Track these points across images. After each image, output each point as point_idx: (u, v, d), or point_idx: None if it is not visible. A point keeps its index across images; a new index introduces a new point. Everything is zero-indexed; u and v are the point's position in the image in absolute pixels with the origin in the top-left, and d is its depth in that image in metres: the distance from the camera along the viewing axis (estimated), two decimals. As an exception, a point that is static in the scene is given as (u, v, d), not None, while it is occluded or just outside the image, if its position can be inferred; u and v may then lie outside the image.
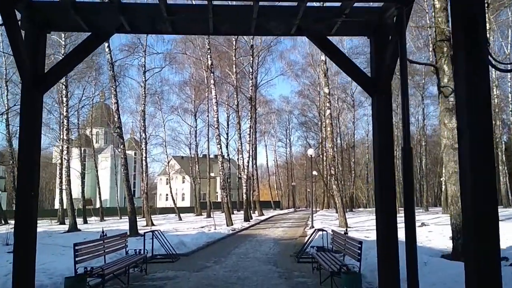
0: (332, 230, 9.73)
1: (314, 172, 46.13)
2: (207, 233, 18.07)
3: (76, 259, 7.13)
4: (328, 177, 54.32)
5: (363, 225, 23.59)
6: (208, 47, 24.58)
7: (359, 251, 6.84)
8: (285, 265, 10.44)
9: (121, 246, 9.53)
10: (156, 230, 12.32)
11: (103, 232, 8.59)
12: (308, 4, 5.00)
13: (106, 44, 21.77)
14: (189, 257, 12.27)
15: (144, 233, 11.56)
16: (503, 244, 5.51)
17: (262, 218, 32.76)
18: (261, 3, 4.86)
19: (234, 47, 32.11)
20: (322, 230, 11.17)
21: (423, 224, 19.92)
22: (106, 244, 8.58)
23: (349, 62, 5.44)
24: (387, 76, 5.08)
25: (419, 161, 59.80)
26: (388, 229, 5.21)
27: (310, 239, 11.24)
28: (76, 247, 7.23)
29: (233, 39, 32.06)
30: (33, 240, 4.85)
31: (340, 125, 49.98)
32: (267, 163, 70.99)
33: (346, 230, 8.51)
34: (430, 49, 18.90)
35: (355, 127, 54.27)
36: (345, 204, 55.07)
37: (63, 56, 28.41)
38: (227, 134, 45.88)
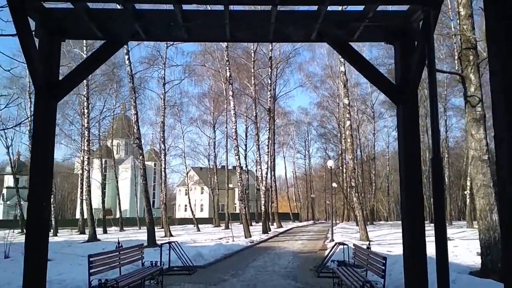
0: (354, 244, 9.39)
1: (334, 184, 45.59)
2: (225, 245, 17.83)
3: (91, 271, 7.00)
4: (348, 189, 53.76)
5: (384, 239, 23.00)
6: (226, 59, 24.60)
7: (383, 267, 6.51)
8: (305, 279, 10.12)
9: (137, 258, 9.39)
10: (173, 242, 12.17)
11: (118, 243, 8.46)
12: (329, 8, 4.81)
13: (127, 57, 22.06)
14: (206, 270, 12.05)
15: (161, 244, 11.42)
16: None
17: (281, 230, 32.34)
18: (279, 7, 4.69)
19: (252, 59, 32.08)
20: (343, 244, 10.83)
21: (448, 239, 19.25)
22: (122, 255, 8.44)
23: (373, 69, 5.19)
24: (413, 83, 4.83)
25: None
26: (416, 243, 4.91)
27: (331, 253, 10.89)
28: (91, 259, 7.10)
29: (252, 51, 32.10)
30: (45, 251, 4.71)
31: (360, 136, 49.36)
32: (285, 175, 70.52)
33: (369, 244, 8.17)
34: (456, 58, 18.41)
35: (375, 139, 53.51)
36: (365, 217, 54.37)
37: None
38: (245, 145, 45.79)
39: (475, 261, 10.85)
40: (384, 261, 6.53)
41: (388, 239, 22.50)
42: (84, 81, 29.99)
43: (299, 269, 11.83)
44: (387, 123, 59.88)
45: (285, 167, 76.56)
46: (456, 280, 7.80)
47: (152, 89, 41.50)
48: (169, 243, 11.67)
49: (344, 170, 51.32)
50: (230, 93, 24.03)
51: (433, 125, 4.35)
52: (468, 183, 32.73)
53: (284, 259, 14.11)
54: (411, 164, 4.86)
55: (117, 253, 8.31)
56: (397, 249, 15.66)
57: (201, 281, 9.99)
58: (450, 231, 27.55)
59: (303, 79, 49.80)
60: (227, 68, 24.28)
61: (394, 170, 70.29)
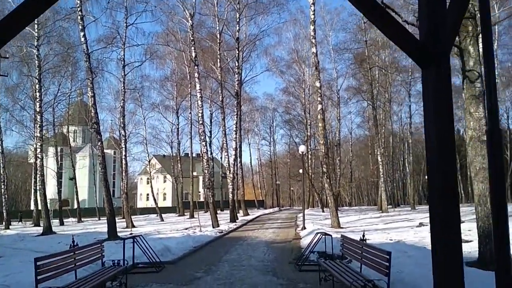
0: (342, 235, 8.53)
1: (300, 170, 45.14)
2: (193, 236, 16.70)
3: (39, 277, 5.74)
4: (313, 175, 53.58)
5: (355, 225, 22.55)
6: (192, 38, 23.15)
7: (387, 263, 5.61)
8: (286, 274, 9.20)
9: (97, 257, 8.13)
10: (137, 236, 10.92)
11: (73, 241, 7.16)
12: None
13: (82, 34, 20.20)
14: (176, 266, 10.92)
15: (124, 239, 10.16)
16: None
17: (248, 218, 31.46)
18: None
19: (218, 41, 30.69)
20: (325, 234, 9.96)
21: (421, 224, 18.98)
22: (78, 255, 7.17)
23: (392, 21, 4.12)
24: (447, 39, 3.84)
25: (396, 159, 59.47)
26: (449, 237, 3.97)
27: (312, 244, 10.00)
28: (39, 263, 5.82)
29: (217, 32, 30.71)
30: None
31: (325, 121, 48.93)
32: (250, 162, 69.75)
33: (363, 235, 7.26)
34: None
35: (340, 125, 53.31)
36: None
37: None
38: (210, 132, 44.52)
39: (465, 249, 10.29)
40: (388, 257, 5.64)
41: (359, 226, 22.04)
42: (36, 61, 27.75)
43: (277, 262, 10.90)
44: (351, 109, 60.12)
45: (250, 154, 75.99)
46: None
47: (111, 72, 39.36)
48: (133, 237, 10.42)
49: (310, 156, 51.08)
50: (196, 74, 22.63)
51: (489, 84, 3.40)
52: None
53: (258, 250, 13.16)
54: (444, 145, 3.89)
55: (72, 253, 7.02)
56: (374, 237, 15.08)
57: (170, 279, 8.87)
58: (418, 216, 27.68)
59: (269, 64, 48.76)
60: (192, 48, 22.84)
61: (356, 156, 71.12)
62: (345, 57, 44.61)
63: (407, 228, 18.37)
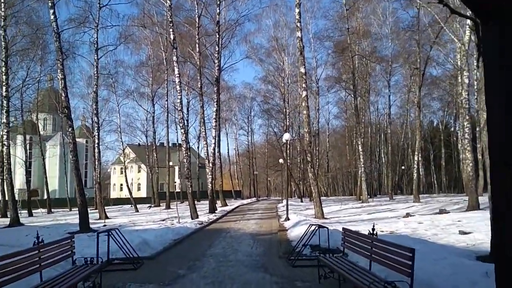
0: (344, 228, 7.74)
1: (281, 160, 44.51)
2: (172, 228, 15.71)
3: (-6, 282, 4.71)
4: (291, 165, 53.02)
5: (339, 215, 22.01)
6: (170, 19, 21.86)
7: (410, 262, 4.82)
8: (279, 270, 8.38)
9: (67, 254, 7.09)
10: (113, 229, 9.89)
11: (38, 238, 6.10)
12: None
13: (52, 11, 18.71)
14: (155, 261, 9.95)
15: (98, 232, 9.11)
16: None
17: (227, 208, 30.59)
18: None
19: (197, 25, 29.44)
20: (320, 226, 9.17)
21: (408, 214, 18.52)
22: (44, 253, 6.13)
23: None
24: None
25: (374, 150, 59.67)
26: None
27: (308, 237, 9.20)
28: (-7, 264, 4.78)
29: (196, 15, 29.44)
30: None
31: (302, 112, 48.28)
32: (228, 152, 68.90)
33: (373, 228, 6.46)
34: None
35: (319, 115, 52.86)
36: (309, 192, 54.14)
37: None
38: (187, 120, 43.31)
39: (467, 241, 9.71)
40: (411, 254, 4.85)
41: (343, 216, 21.52)
42: (2, 42, 25.91)
43: (267, 256, 10.08)
44: (329, 99, 59.84)
45: (228, 144, 74.93)
46: (465, 266, 6.39)
47: (83, 55, 37.32)
48: (108, 230, 9.38)
49: (288, 146, 50.41)
50: (174, 58, 21.40)
51: None
52: (416, 157, 32.83)
53: (244, 243, 12.30)
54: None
55: (36, 251, 5.97)
56: (363, 228, 14.41)
57: (151, 278, 7.92)
58: (399, 206, 27.41)
59: (248, 51, 47.68)
60: (171, 30, 21.60)
61: (333, 147, 71.17)
62: (326, 46, 44.07)
63: (394, 219, 17.86)
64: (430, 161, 62.43)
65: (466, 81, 21.48)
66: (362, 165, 33.86)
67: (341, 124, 69.26)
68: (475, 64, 17.40)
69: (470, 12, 7.12)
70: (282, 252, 10.35)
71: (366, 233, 11.71)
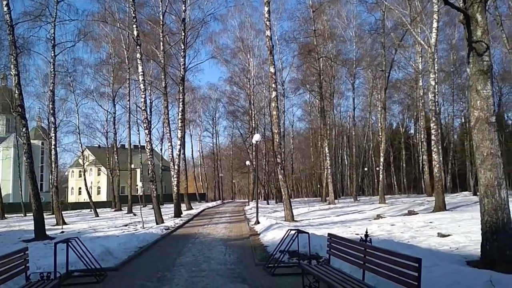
0: (330, 234, 7.19)
1: (247, 162, 43.93)
2: (137, 235, 14.75)
3: None
4: (256, 167, 52.33)
5: (308, 218, 21.66)
6: (133, 15, 20.82)
7: (416, 274, 4.33)
8: (258, 281, 7.75)
9: (19, 270, 6.18)
10: (72, 238, 8.94)
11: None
12: None
13: (5, 2, 17.33)
14: (120, 273, 9.09)
15: (55, 243, 8.16)
16: None
17: (193, 212, 29.66)
18: None
19: (161, 22, 28.44)
20: (300, 231, 8.60)
21: (379, 216, 18.36)
22: (-10, 271, 5.24)
23: None
24: None
25: (337, 152, 60.32)
26: None
27: (288, 243, 8.63)
28: None
29: (160, 13, 28.43)
30: None
31: (271, 113, 47.80)
32: (192, 154, 67.56)
33: (366, 234, 5.96)
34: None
35: (284, 117, 52.66)
36: (275, 194, 53.82)
37: None
38: (150, 122, 41.89)
39: (449, 245, 9.43)
40: (417, 265, 4.36)
41: (312, 218, 21.18)
42: None
43: (242, 264, 9.42)
44: (293, 101, 59.95)
45: (192, 145, 73.61)
46: (463, 274, 6.01)
47: (39, 52, 35.21)
48: (67, 240, 8.44)
49: (253, 148, 49.87)
50: (138, 55, 20.36)
51: None
52: (381, 159, 33.04)
53: (215, 250, 11.58)
54: None
55: (-19, 268, 5.08)
56: (336, 231, 14.01)
57: (117, 293, 7.11)
58: (366, 207, 27.42)
59: (214, 51, 46.87)
60: (134, 26, 20.56)
61: (297, 149, 71.39)
62: (291, 48, 43.93)
63: (364, 221, 17.63)
64: (390, 163, 63.70)
65: (433, 83, 21.65)
66: (329, 167, 33.81)
67: (305, 127, 69.66)
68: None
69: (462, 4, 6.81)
70: (258, 259, 9.73)
71: (344, 236, 11.33)
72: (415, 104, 50.45)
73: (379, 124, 46.91)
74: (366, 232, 6.06)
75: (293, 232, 8.72)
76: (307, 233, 8.43)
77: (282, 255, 8.76)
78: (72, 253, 8.42)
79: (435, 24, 21.41)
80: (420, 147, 49.63)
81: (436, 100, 22.93)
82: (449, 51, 45.58)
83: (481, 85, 6.79)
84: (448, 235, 10.62)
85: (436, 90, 24.35)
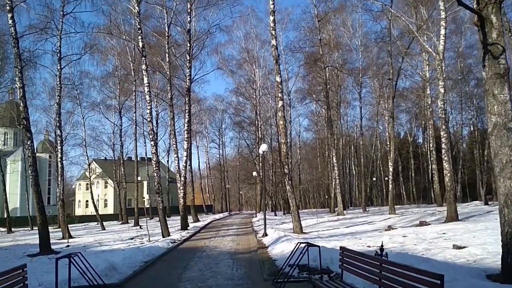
0: (342, 247, 6.87)
1: (254, 173, 43.60)
2: (142, 249, 14.45)
3: None
4: (263, 177, 51.92)
5: (317, 229, 21.23)
6: (138, 26, 20.79)
7: (440, 292, 3.99)
8: (267, 297, 7.42)
9: (18, 287, 5.91)
10: (75, 253, 8.67)
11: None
12: None
13: (10, 15, 17.36)
14: (124, 289, 8.80)
15: (56, 258, 7.90)
16: None
17: (200, 224, 29.31)
18: None
19: (167, 34, 28.45)
20: (309, 244, 8.27)
21: (390, 227, 17.90)
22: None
23: None
24: None
25: (345, 162, 59.73)
26: None
27: (295, 256, 8.29)
28: None
29: (166, 25, 28.47)
30: None
31: (278, 123, 47.47)
32: (198, 165, 67.31)
33: (382, 247, 5.62)
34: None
35: (291, 127, 52.42)
36: (282, 205, 53.31)
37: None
38: (156, 133, 41.79)
39: (466, 257, 9.03)
40: (439, 282, 4.03)
41: (321, 230, 20.74)
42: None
43: (251, 279, 9.07)
44: (299, 111, 59.72)
45: (198, 157, 73.43)
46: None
47: (45, 65, 35.46)
48: (69, 255, 8.17)
49: (260, 159, 49.56)
50: (144, 67, 20.27)
51: None
52: (390, 168, 32.56)
53: (222, 264, 11.24)
54: None
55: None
56: (347, 243, 13.61)
57: (119, 311, 6.81)
58: (376, 218, 26.92)
59: (219, 62, 46.88)
60: (140, 37, 20.51)
61: (304, 159, 70.96)
62: (297, 58, 43.82)
63: (375, 232, 17.19)
64: (398, 173, 63.01)
65: (442, 90, 21.29)
66: (337, 177, 33.37)
67: (312, 137, 69.33)
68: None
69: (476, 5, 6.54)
70: (267, 273, 9.38)
71: (355, 248, 10.95)
72: (423, 112, 50.00)
73: (387, 134, 46.54)
74: (382, 245, 5.71)
75: (303, 245, 8.39)
76: (318, 246, 8.09)
77: (292, 269, 8.40)
78: (76, 269, 8.15)
79: (442, 31, 21.13)
80: (429, 156, 49.11)
81: (445, 108, 22.50)
82: (456, 59, 45.21)
83: (498, 89, 6.48)
84: (464, 247, 10.20)
85: (445, 98, 23.95)
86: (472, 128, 49.57)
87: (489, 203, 33.47)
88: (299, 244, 8.63)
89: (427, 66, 38.94)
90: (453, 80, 43.66)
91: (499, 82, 6.48)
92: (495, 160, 6.58)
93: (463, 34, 43.19)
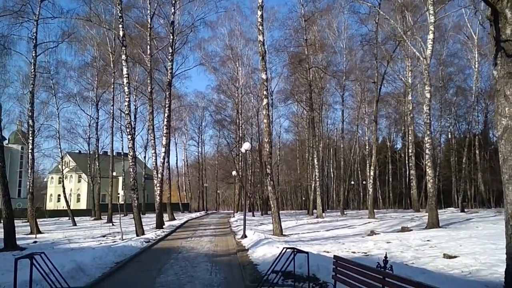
0: (336, 256, 6.27)
1: (234, 173, 42.86)
2: (114, 248, 13.60)
3: None
4: (245, 177, 51.37)
5: (296, 232, 20.72)
6: (120, 15, 19.85)
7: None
8: (250, 307, 6.77)
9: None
10: (38, 253, 7.82)
11: None
12: None
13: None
14: (92, 294, 8.00)
15: (16, 259, 7.05)
16: None
17: (176, 223, 28.41)
18: None
19: (149, 25, 27.52)
20: (296, 250, 7.63)
21: (372, 232, 17.50)
22: None
23: None
24: None
25: (324, 164, 59.64)
26: None
27: (281, 263, 7.65)
28: None
29: (148, 16, 27.52)
30: None
31: (259, 123, 46.91)
32: (176, 163, 66.19)
33: (386, 259, 5.03)
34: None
35: (273, 127, 51.89)
36: (260, 206, 52.76)
37: None
38: (134, 128, 40.63)
39: (460, 268, 8.57)
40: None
41: (302, 233, 20.25)
42: None
43: (231, 286, 8.40)
44: (280, 113, 59.32)
45: (176, 154, 72.15)
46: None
47: (20, 52, 33.65)
48: (31, 255, 7.32)
49: (240, 159, 48.89)
50: (124, 57, 19.33)
51: None
52: (372, 173, 32.35)
53: (200, 267, 10.52)
54: None
55: None
56: (330, 248, 13.12)
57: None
58: (355, 222, 26.60)
59: (202, 58, 45.92)
60: (120, 26, 19.58)
61: (283, 161, 70.58)
62: (281, 58, 43.31)
63: (357, 237, 16.77)
64: (375, 177, 63.24)
65: (428, 95, 21.08)
66: (318, 179, 32.97)
67: (292, 138, 69.03)
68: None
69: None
70: (249, 280, 8.72)
71: (339, 254, 10.39)
72: (403, 118, 50.21)
73: (369, 137, 46.64)
74: (386, 257, 5.12)
75: (289, 250, 7.76)
76: (306, 252, 7.47)
77: (278, 277, 7.76)
78: (38, 269, 7.33)
79: (431, 35, 20.95)
80: (407, 161, 49.30)
81: (430, 113, 22.30)
82: (437, 67, 45.51)
83: (510, 89, 6.00)
84: (455, 257, 9.78)
85: (431, 103, 23.76)
86: (449, 136, 49.99)
87: (465, 210, 33.64)
88: (285, 249, 7.99)
89: (410, 72, 39.03)
90: (434, 87, 43.89)
91: (511, 82, 6.00)
92: (504, 166, 6.10)
93: (445, 42, 43.46)
